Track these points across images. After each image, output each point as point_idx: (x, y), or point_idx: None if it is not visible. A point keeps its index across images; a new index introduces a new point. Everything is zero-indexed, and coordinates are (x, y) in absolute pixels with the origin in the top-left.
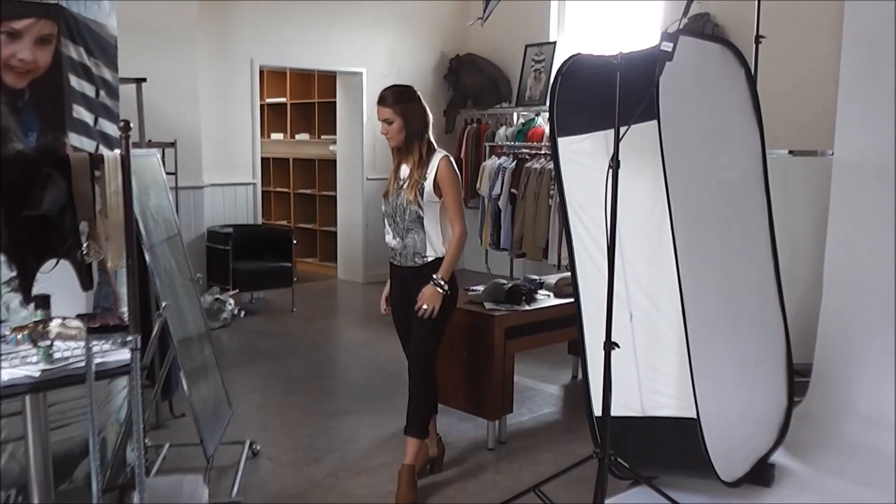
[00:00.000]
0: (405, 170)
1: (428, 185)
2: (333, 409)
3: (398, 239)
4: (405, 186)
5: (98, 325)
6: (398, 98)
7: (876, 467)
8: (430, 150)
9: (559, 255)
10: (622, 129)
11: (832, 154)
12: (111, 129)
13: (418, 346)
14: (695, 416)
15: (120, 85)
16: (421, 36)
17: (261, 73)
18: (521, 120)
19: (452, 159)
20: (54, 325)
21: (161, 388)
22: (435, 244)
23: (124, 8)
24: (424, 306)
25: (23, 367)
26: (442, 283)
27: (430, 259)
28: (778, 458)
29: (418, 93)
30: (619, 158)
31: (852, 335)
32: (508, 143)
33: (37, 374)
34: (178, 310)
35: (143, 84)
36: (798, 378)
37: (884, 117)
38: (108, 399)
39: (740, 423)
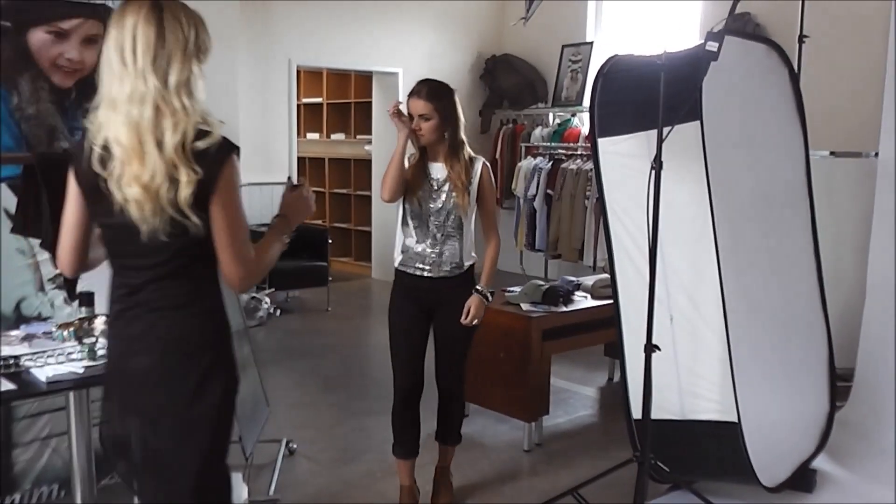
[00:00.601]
0: (439, 170)
1: (473, 189)
2: (369, 409)
3: (430, 246)
4: (447, 189)
5: None
6: (435, 93)
7: None
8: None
9: (595, 257)
10: (665, 130)
11: (876, 155)
12: None
13: (457, 360)
14: (736, 420)
15: None
16: (457, 36)
17: (298, 73)
18: (557, 120)
19: None
20: (99, 322)
21: None
22: (469, 252)
23: None
24: (475, 319)
25: (68, 363)
26: (489, 293)
27: (465, 268)
28: (819, 463)
29: (454, 91)
30: (662, 160)
31: (895, 340)
32: (544, 143)
33: (81, 371)
34: None
35: None
36: (840, 383)
37: None
38: None
39: (782, 428)
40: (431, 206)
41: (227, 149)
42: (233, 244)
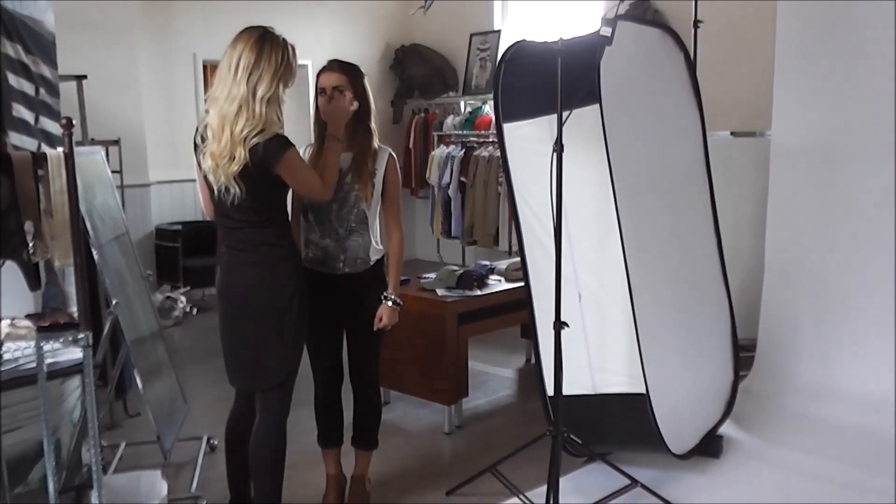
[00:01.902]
0: (342, 159)
1: (378, 181)
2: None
3: (334, 241)
4: (349, 180)
5: (48, 323)
6: (348, 68)
7: (818, 437)
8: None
9: (510, 242)
10: (565, 114)
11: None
12: (53, 127)
13: (371, 360)
14: (644, 392)
15: (60, 82)
16: (365, 27)
17: (204, 67)
18: (468, 109)
19: None
20: (3, 326)
21: (115, 388)
22: (375, 247)
23: (61, 4)
24: (387, 326)
25: None
26: (398, 300)
27: (372, 263)
28: (726, 430)
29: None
30: (563, 142)
31: (793, 311)
32: (456, 131)
33: None
34: (129, 309)
35: (84, 81)
36: (743, 353)
37: (818, 99)
38: (60, 400)
39: (688, 398)
40: (333, 197)
41: (277, 143)
42: (303, 186)
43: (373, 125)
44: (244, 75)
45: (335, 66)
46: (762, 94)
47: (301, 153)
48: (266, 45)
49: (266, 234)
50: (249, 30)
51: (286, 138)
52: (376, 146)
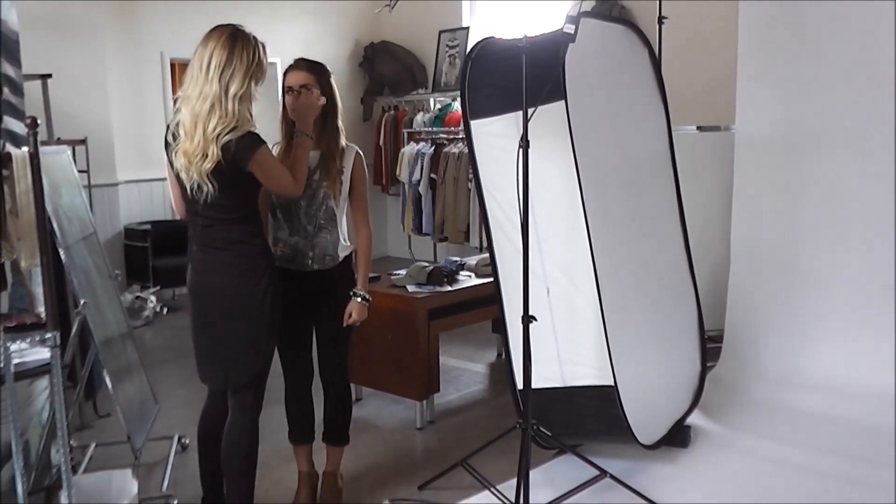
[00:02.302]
0: (313, 157)
1: (346, 179)
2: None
3: (303, 238)
4: (317, 178)
5: (14, 324)
6: (314, 66)
7: (786, 424)
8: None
9: (481, 238)
10: (531, 110)
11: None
12: (17, 126)
13: (338, 358)
14: (613, 384)
15: (24, 82)
16: (334, 24)
17: (172, 66)
18: (438, 106)
19: None
20: None
21: (84, 389)
22: (343, 244)
23: (24, 3)
24: (356, 322)
25: None
26: (367, 296)
27: (341, 259)
28: (694, 420)
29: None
30: (530, 139)
31: (760, 302)
32: (426, 128)
33: None
34: (97, 309)
35: (49, 80)
36: (710, 344)
37: (780, 92)
38: (28, 401)
39: (656, 389)
40: (301, 195)
41: (249, 140)
42: (274, 183)
43: (340, 123)
44: (216, 73)
45: (302, 64)
46: (727, 88)
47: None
48: (238, 42)
49: (239, 231)
50: (220, 28)
51: (258, 136)
52: (343, 144)
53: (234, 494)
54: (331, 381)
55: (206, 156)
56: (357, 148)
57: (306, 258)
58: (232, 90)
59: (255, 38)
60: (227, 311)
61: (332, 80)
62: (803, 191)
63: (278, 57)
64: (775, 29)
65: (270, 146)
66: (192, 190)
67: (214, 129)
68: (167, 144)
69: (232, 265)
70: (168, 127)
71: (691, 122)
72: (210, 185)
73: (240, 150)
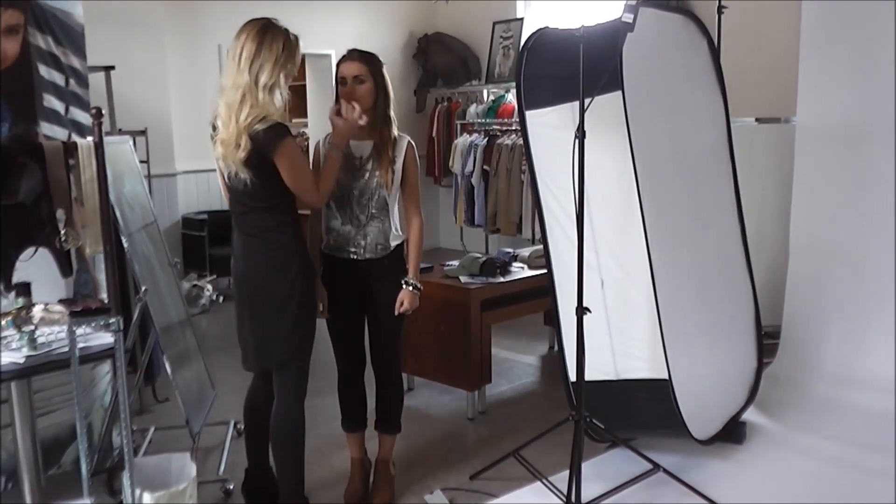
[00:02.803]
0: (362, 148)
1: (398, 168)
2: (314, 388)
3: (355, 227)
4: (370, 167)
5: (80, 308)
6: (368, 57)
7: (844, 423)
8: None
9: (533, 229)
10: (587, 101)
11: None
12: (82, 117)
13: (390, 346)
14: (667, 378)
15: (89, 73)
16: (389, 16)
17: None
18: (491, 97)
19: None
20: (37, 311)
21: (143, 374)
22: (395, 233)
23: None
24: (408, 310)
25: (7, 353)
26: (419, 285)
27: (392, 248)
28: (749, 416)
29: (383, 63)
30: (585, 129)
31: (819, 297)
32: (479, 120)
33: (21, 361)
34: (158, 296)
35: (112, 72)
36: (767, 340)
37: (843, 82)
38: (91, 385)
39: (711, 384)
40: (354, 185)
41: (276, 131)
42: (296, 182)
43: (392, 113)
44: (246, 64)
45: (355, 55)
46: (787, 80)
47: (320, 142)
48: (267, 34)
49: (270, 219)
50: (253, 21)
51: (285, 127)
52: (396, 134)
53: (282, 475)
54: (382, 369)
55: (239, 145)
56: (409, 138)
57: (358, 247)
58: (262, 81)
59: (286, 29)
60: (258, 296)
61: (385, 71)
62: (866, 184)
63: (333, 48)
64: (838, 19)
65: (323, 137)
66: (230, 178)
67: (246, 118)
68: (212, 135)
69: (263, 252)
70: (213, 117)
71: (749, 113)
72: (245, 174)
73: (266, 140)
